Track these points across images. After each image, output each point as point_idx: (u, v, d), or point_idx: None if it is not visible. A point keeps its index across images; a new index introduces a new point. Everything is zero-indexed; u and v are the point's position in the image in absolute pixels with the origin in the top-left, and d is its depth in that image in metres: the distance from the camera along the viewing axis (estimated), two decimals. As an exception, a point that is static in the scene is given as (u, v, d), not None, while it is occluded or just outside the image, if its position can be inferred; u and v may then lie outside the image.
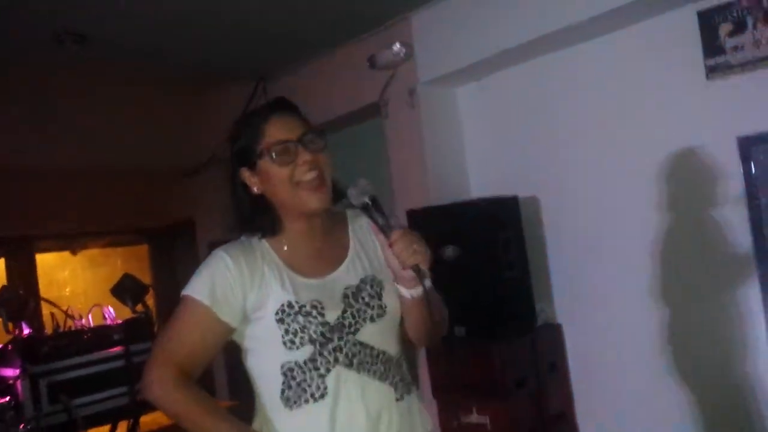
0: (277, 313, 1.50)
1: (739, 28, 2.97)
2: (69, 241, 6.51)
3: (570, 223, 3.57)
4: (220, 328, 1.52)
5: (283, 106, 1.60)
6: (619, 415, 3.42)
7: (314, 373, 1.50)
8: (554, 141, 3.61)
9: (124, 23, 3.54)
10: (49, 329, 2.34)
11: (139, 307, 2.32)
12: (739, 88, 2.96)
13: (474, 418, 3.27)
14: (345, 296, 1.54)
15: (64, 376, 2.24)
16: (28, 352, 2.15)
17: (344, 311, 1.52)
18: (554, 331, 3.61)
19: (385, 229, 1.49)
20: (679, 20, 3.11)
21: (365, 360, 1.53)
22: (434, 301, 1.56)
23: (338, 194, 1.59)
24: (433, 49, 3.79)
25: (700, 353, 3.14)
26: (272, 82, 4.71)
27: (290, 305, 1.50)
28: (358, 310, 1.54)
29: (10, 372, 2.20)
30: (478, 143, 3.98)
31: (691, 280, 3.16)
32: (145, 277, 5.53)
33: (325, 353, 1.50)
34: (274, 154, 1.52)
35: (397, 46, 3.82)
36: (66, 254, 6.66)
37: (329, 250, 1.60)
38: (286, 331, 1.49)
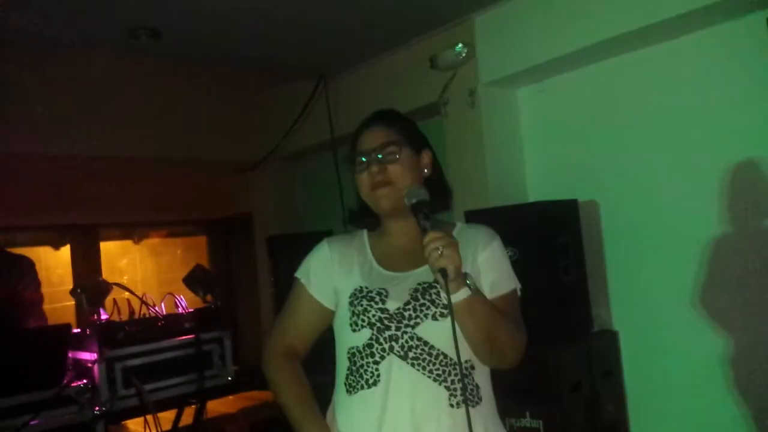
0: (350, 296, 1.64)
1: (811, 34, 2.90)
2: (131, 229, 6.72)
3: (629, 228, 3.54)
4: (315, 305, 1.72)
5: (377, 118, 1.76)
6: (673, 426, 3.38)
7: (370, 360, 1.58)
8: (614, 146, 3.58)
9: (195, 20, 3.66)
10: (124, 315, 2.44)
11: (209, 297, 2.42)
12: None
13: (527, 421, 3.27)
14: (415, 290, 1.60)
15: (138, 361, 2.34)
16: (105, 336, 2.26)
17: (407, 303, 1.58)
18: (610, 338, 3.58)
19: (423, 232, 1.51)
20: (749, 26, 3.04)
21: (421, 356, 1.56)
22: (477, 315, 1.51)
23: (440, 191, 1.74)
24: (495, 50, 3.80)
25: (760, 367, 3.08)
26: (333, 80, 4.78)
27: (361, 290, 1.63)
28: (422, 305, 1.57)
29: (88, 356, 2.31)
30: (537, 145, 3.98)
31: (752, 293, 3.10)
32: (203, 268, 5.66)
33: (381, 340, 1.57)
34: (355, 163, 1.71)
35: (459, 47, 3.84)
36: (128, 243, 6.85)
37: (420, 251, 1.57)
38: (353, 313, 1.61)
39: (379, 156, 1.66)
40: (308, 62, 4.57)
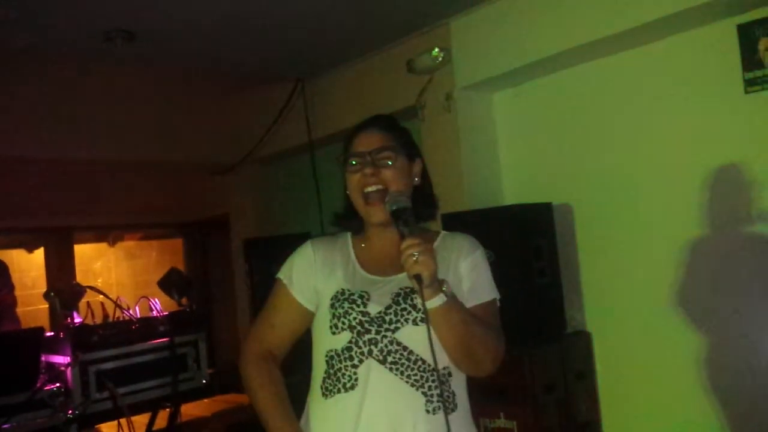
0: (332, 298, 1.63)
1: (780, 41, 2.97)
2: (106, 232, 6.67)
3: (603, 231, 3.58)
4: (296, 306, 1.70)
5: (375, 122, 1.75)
6: (645, 426, 3.43)
7: (348, 363, 1.57)
8: (588, 150, 3.63)
9: (171, 23, 3.64)
10: (98, 318, 2.43)
11: (184, 300, 2.42)
12: (778, 103, 2.96)
13: (501, 422, 3.30)
14: (396, 294, 1.60)
15: (112, 364, 2.32)
16: (78, 340, 2.24)
17: (388, 307, 1.57)
18: (584, 339, 3.63)
19: (403, 236, 1.52)
20: (719, 33, 3.11)
21: (400, 361, 1.55)
22: (453, 322, 1.51)
23: (427, 201, 1.76)
24: (471, 54, 3.83)
25: (730, 366, 3.14)
26: (311, 82, 4.79)
27: (343, 292, 1.62)
28: (403, 309, 1.57)
29: (61, 359, 2.29)
30: (512, 150, 4.01)
31: (724, 293, 3.15)
32: (179, 271, 5.64)
33: (361, 343, 1.57)
34: (347, 164, 1.69)
35: (435, 51, 3.86)
36: (102, 245, 6.81)
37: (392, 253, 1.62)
38: (333, 315, 1.60)
39: (375, 159, 1.64)
40: (285, 65, 4.58)
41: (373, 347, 1.56)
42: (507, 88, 3.99)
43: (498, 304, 1.72)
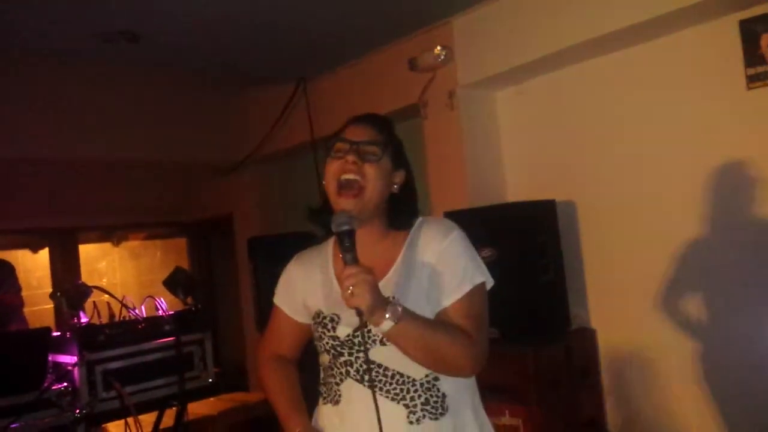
0: (313, 318, 1.67)
1: (782, 38, 2.97)
2: (111, 232, 6.68)
3: (607, 228, 3.59)
4: (294, 325, 1.77)
5: (370, 118, 1.69)
6: (649, 422, 3.44)
7: (332, 380, 1.63)
8: (591, 147, 3.64)
9: (174, 24, 3.66)
10: (104, 318, 2.44)
11: (190, 299, 2.43)
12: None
13: (506, 420, 3.31)
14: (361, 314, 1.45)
15: (118, 363, 2.33)
16: (85, 339, 2.25)
17: (356, 329, 1.48)
18: (588, 336, 3.64)
19: (345, 260, 1.45)
20: (721, 29, 3.12)
21: (377, 378, 1.54)
22: (412, 338, 1.45)
23: (402, 209, 1.66)
24: (473, 52, 3.84)
25: (734, 364, 3.14)
26: (313, 82, 4.79)
27: (318, 315, 1.64)
28: (369, 331, 1.51)
29: (68, 359, 2.30)
30: (515, 147, 4.02)
31: (727, 290, 3.16)
32: (184, 270, 5.66)
33: (338, 364, 1.60)
34: (331, 149, 1.62)
35: (438, 49, 3.87)
36: (107, 245, 6.82)
37: (377, 261, 1.57)
38: (315, 337, 1.67)
39: (361, 150, 1.57)
40: (288, 65, 4.58)
41: (349, 368, 1.58)
42: (509, 86, 4.00)
43: (486, 286, 1.62)
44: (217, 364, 2.69)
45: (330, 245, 1.74)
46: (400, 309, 1.41)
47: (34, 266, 6.19)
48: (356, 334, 1.53)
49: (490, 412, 3.31)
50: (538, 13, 3.50)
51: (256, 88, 5.18)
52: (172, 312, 2.50)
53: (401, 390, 1.53)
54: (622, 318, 3.54)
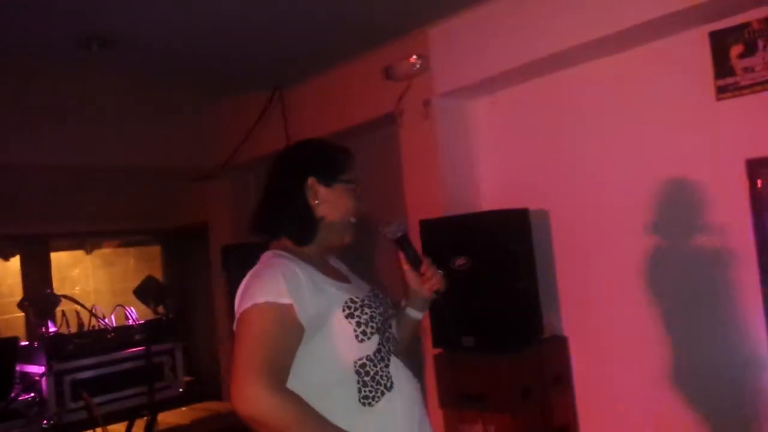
0: (344, 310, 1.62)
1: (751, 49, 3.01)
2: (83, 239, 6.60)
3: (579, 237, 3.62)
4: (299, 329, 1.55)
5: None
6: (622, 429, 3.47)
7: (381, 365, 1.64)
8: (564, 156, 3.67)
9: (148, 30, 3.63)
10: (73, 327, 2.41)
11: (161, 309, 2.41)
12: (749, 110, 3.00)
13: (479, 428, 3.32)
14: (371, 299, 1.73)
15: (87, 373, 2.31)
16: (53, 349, 2.23)
17: (380, 306, 1.72)
18: (560, 344, 3.67)
19: (414, 260, 1.78)
20: (692, 41, 3.16)
21: (399, 351, 1.74)
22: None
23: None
24: (449, 62, 3.86)
25: (705, 370, 3.18)
26: (289, 90, 4.79)
27: (353, 301, 1.64)
28: (385, 308, 1.75)
29: (36, 369, 2.27)
30: (489, 156, 4.04)
31: (697, 297, 3.21)
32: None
33: (384, 342, 1.68)
34: (354, 188, 1.77)
35: (413, 58, 3.89)
36: (80, 253, 6.73)
37: (334, 269, 1.82)
38: (358, 324, 1.61)
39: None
40: (263, 73, 4.57)
41: (390, 344, 1.70)
42: (484, 95, 4.02)
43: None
44: (191, 372, 2.68)
45: (294, 258, 1.65)
46: None
47: (4, 274, 6.09)
48: (383, 311, 1.71)
49: (464, 420, 3.35)
50: (512, 23, 3.53)
51: (231, 95, 5.16)
52: (143, 321, 2.48)
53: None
54: (594, 325, 3.57)
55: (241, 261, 4.35)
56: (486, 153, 4.06)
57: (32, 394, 2.24)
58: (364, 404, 1.59)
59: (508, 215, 3.54)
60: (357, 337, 1.60)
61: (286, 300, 1.53)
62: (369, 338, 1.62)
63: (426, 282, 1.78)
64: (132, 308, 2.50)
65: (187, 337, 5.88)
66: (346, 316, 1.61)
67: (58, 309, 2.38)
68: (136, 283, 2.57)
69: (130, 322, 2.46)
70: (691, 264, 3.23)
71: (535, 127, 3.81)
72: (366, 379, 1.61)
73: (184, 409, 3.67)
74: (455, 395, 3.43)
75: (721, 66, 3.10)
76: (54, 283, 6.07)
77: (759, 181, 2.99)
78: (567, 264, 3.70)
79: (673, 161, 3.24)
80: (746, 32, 3.03)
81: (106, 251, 6.92)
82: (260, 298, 1.54)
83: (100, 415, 2.23)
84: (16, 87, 4.31)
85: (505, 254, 3.41)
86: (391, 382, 1.64)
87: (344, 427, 1.53)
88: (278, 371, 1.50)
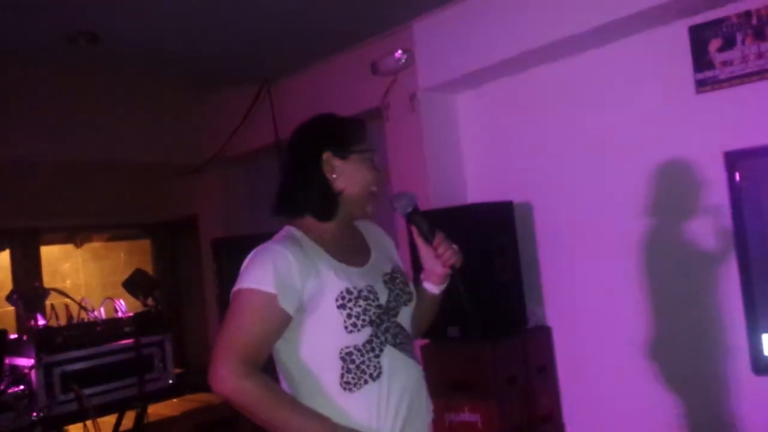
0: (337, 300, 1.62)
1: (729, 43, 3.06)
2: (73, 233, 6.61)
3: (562, 228, 3.67)
4: (281, 317, 1.58)
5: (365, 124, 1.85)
6: (605, 418, 3.53)
7: (370, 355, 1.64)
8: (547, 149, 3.72)
9: (135, 25, 3.65)
10: (62, 320, 2.44)
11: (150, 301, 2.45)
12: (727, 103, 3.06)
13: (465, 416, 3.37)
14: (385, 282, 1.73)
15: (77, 366, 2.34)
16: (42, 342, 2.25)
17: (389, 294, 1.71)
18: (544, 334, 3.72)
19: (428, 234, 1.77)
20: (671, 35, 3.21)
21: (403, 340, 1.71)
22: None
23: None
24: (434, 56, 3.90)
25: (686, 359, 3.25)
26: (276, 84, 4.81)
27: (349, 291, 1.63)
28: (398, 295, 1.73)
29: (25, 361, 2.30)
30: (475, 150, 4.09)
31: (678, 287, 3.27)
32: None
33: (379, 334, 1.66)
34: (371, 158, 1.77)
35: (399, 53, 3.92)
36: (69, 246, 6.74)
37: (357, 245, 1.80)
38: (348, 316, 1.61)
39: (379, 167, 1.80)
40: (251, 66, 4.59)
41: (387, 335, 1.68)
42: (469, 89, 4.06)
43: None
44: (182, 364, 2.71)
45: (304, 238, 1.69)
46: None
47: (-6, 268, 6.10)
48: (390, 299, 1.70)
49: (451, 409, 3.40)
50: (497, 18, 3.56)
51: (220, 89, 5.17)
52: (132, 314, 2.51)
53: (412, 349, 1.74)
54: (577, 316, 3.63)
55: (231, 253, 4.40)
56: (471, 146, 4.10)
57: (22, 387, 2.27)
58: (344, 389, 1.62)
59: (492, 208, 3.59)
60: (346, 327, 1.61)
61: (270, 289, 1.56)
62: (359, 330, 1.62)
63: (440, 257, 1.77)
64: (121, 300, 2.53)
65: (177, 328, 5.92)
66: (338, 306, 1.61)
67: (47, 302, 2.41)
68: (126, 276, 2.60)
69: (120, 314, 2.49)
70: (673, 255, 3.29)
71: (520, 121, 3.85)
72: (351, 366, 1.62)
73: (174, 400, 3.69)
74: (442, 384, 3.48)
75: (700, 60, 3.14)
76: (45, 277, 6.08)
77: (737, 174, 3.04)
78: (550, 256, 3.75)
79: (654, 154, 3.29)
80: (725, 26, 3.07)
81: (96, 245, 6.93)
82: (246, 284, 1.59)
83: (90, 406, 2.27)
84: (5, 83, 4.31)
85: (490, 246, 3.46)
86: (379, 372, 1.63)
87: (321, 408, 1.60)
88: (252, 356, 1.55)
